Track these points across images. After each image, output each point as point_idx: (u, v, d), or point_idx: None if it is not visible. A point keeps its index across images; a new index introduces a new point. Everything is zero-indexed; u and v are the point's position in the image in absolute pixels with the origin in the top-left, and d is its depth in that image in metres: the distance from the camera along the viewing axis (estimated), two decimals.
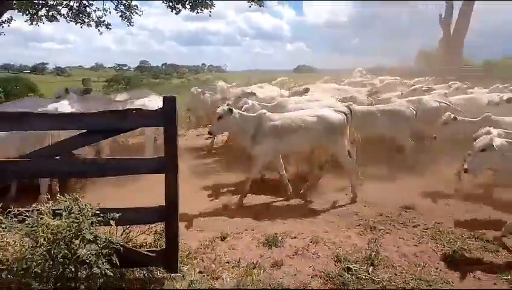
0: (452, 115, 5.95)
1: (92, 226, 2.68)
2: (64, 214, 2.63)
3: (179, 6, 11.11)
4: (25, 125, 2.93)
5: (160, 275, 3.46)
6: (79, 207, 2.69)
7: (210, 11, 11.02)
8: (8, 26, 11.64)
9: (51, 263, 2.63)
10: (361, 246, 4.13)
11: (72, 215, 2.67)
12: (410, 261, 3.86)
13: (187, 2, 10.97)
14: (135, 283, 3.37)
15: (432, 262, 3.84)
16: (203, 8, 11.04)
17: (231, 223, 4.77)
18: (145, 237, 3.72)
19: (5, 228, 2.53)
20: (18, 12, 11.26)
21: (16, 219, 2.66)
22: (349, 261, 3.79)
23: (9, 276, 2.49)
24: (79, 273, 2.71)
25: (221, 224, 4.73)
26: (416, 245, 4.21)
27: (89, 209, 2.73)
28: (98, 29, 12.53)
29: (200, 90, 9.41)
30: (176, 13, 11.04)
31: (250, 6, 11.23)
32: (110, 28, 12.38)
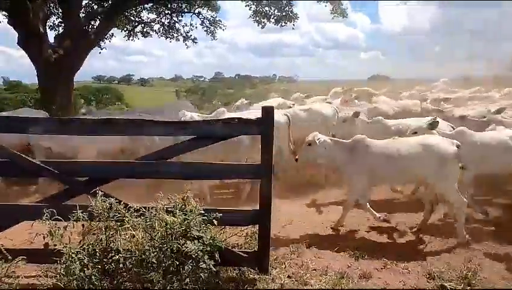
0: None
1: (200, 225, 2.93)
2: (177, 212, 2.91)
3: (265, 20, 11.56)
4: (145, 131, 3.31)
5: (251, 276, 3.63)
6: (189, 206, 2.95)
7: (293, 24, 11.35)
8: (109, 42, 12.99)
9: (162, 255, 2.93)
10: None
11: (184, 213, 2.93)
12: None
13: (272, 17, 11.37)
14: (228, 281, 3.57)
15: None
16: (287, 22, 11.39)
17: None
18: (237, 238, 3.94)
19: (128, 221, 2.86)
20: (117, 29, 12.56)
21: (135, 214, 3.00)
22: (442, 279, 3.64)
23: (131, 264, 2.81)
24: (186, 266, 2.97)
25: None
26: None
27: (197, 209, 2.98)
28: (185, 44, 13.46)
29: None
30: (261, 27, 11.55)
31: (332, 18, 11.34)
32: (196, 42, 13.28)
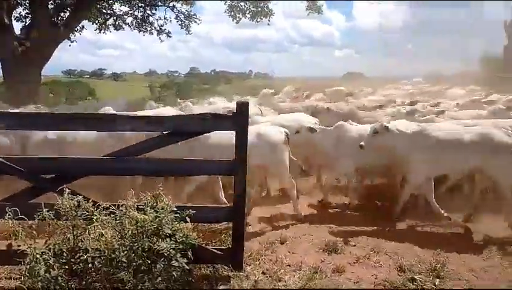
0: None
1: (172, 223, 2.87)
2: (148, 209, 2.84)
3: (240, 15, 11.49)
4: (118, 126, 3.22)
5: (225, 273, 3.60)
6: (161, 203, 2.88)
7: (269, 20, 11.34)
8: (80, 34, 12.57)
9: (133, 254, 2.85)
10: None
11: (155, 211, 2.87)
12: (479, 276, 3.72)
13: (247, 12, 11.31)
14: (202, 279, 3.53)
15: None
16: (262, 17, 11.36)
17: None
18: (211, 235, 3.89)
19: (97, 220, 2.77)
20: (88, 21, 12.17)
21: (105, 213, 2.91)
22: (412, 271, 3.73)
23: (100, 263, 2.73)
24: (158, 265, 2.91)
25: None
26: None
27: (169, 206, 2.92)
28: (159, 37, 13.21)
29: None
30: (236, 22, 11.48)
31: (308, 15, 11.40)
32: (170, 36, 13.09)
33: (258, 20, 11.37)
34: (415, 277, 3.60)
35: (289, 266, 3.84)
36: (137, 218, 2.74)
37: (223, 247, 3.65)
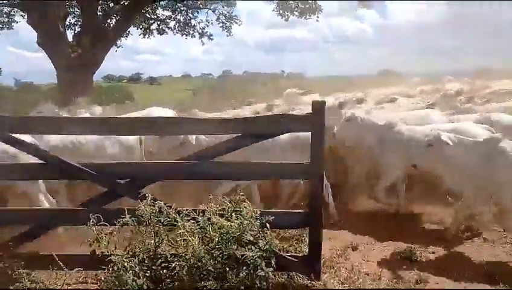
0: None
1: (257, 229, 2.73)
2: (233, 215, 2.71)
3: (288, 13, 11.33)
4: (192, 130, 3.13)
5: (301, 281, 3.43)
6: (245, 209, 2.76)
7: (317, 17, 11.09)
8: (126, 39, 12.86)
9: (217, 262, 2.74)
10: None
11: (240, 217, 2.74)
12: None
13: (296, 9, 11.14)
14: (278, 287, 3.37)
15: None
16: (311, 14, 11.14)
17: None
18: (280, 241, 3.73)
19: (183, 226, 2.68)
20: (133, 26, 12.43)
21: (187, 219, 2.82)
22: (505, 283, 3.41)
23: (184, 271, 2.63)
24: (241, 273, 2.78)
25: None
26: None
27: (252, 212, 2.78)
28: (201, 40, 13.29)
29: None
30: (285, 20, 11.32)
31: (356, 10, 11.06)
32: (212, 39, 13.09)
33: (307, 17, 11.19)
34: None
35: (367, 274, 3.62)
36: (223, 225, 2.62)
37: (297, 254, 3.49)
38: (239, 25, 13.12)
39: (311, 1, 10.79)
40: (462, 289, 3.41)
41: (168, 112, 5.70)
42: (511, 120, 5.39)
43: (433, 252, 4.08)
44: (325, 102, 3.31)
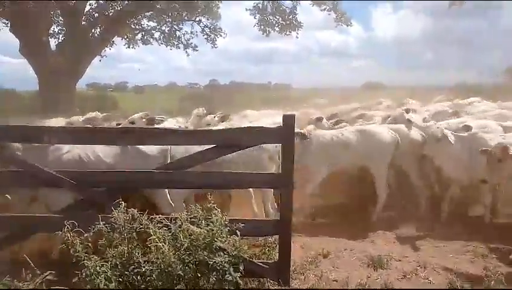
0: None
1: (226, 236, 2.86)
2: (203, 222, 2.85)
3: (269, 28, 11.63)
4: (167, 140, 3.26)
5: (272, 287, 3.55)
6: (214, 217, 2.89)
7: (297, 33, 11.44)
8: (110, 49, 12.91)
9: (187, 267, 2.86)
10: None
11: (207, 224, 2.87)
12: None
13: (276, 25, 11.43)
14: None
15: None
16: (291, 30, 11.47)
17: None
18: (253, 248, 3.87)
19: (154, 233, 2.79)
20: (117, 36, 12.52)
21: (158, 225, 2.94)
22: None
23: (155, 276, 2.74)
24: (210, 279, 2.90)
25: None
26: None
27: (223, 220, 2.92)
28: (186, 51, 13.47)
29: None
30: (266, 35, 11.63)
31: (336, 27, 11.46)
32: (196, 50, 13.28)
33: (287, 33, 11.53)
34: None
35: (335, 281, 3.78)
36: (193, 231, 2.75)
37: (268, 261, 3.63)
38: (224, 38, 13.40)
39: (291, 17, 11.17)
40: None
41: None
42: None
43: (400, 260, 4.26)
44: (294, 115, 3.49)
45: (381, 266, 4.05)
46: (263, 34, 11.64)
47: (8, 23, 9.80)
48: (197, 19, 12.92)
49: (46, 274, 2.42)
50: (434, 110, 8.48)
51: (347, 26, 11.61)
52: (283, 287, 3.48)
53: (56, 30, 12.28)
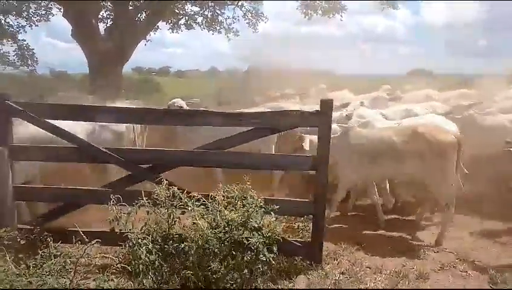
0: None
1: (261, 217, 2.94)
2: (238, 203, 2.94)
3: (312, 12, 11.41)
4: (206, 122, 3.40)
5: (304, 269, 3.58)
6: (250, 197, 2.97)
7: (341, 16, 11.11)
8: (154, 34, 13.21)
9: (223, 245, 2.97)
10: None
11: (243, 205, 2.96)
12: None
13: (319, 8, 11.20)
14: (281, 272, 3.55)
15: None
16: (335, 13, 11.18)
17: None
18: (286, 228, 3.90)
19: (192, 210, 2.92)
20: (162, 21, 12.79)
21: (197, 204, 3.06)
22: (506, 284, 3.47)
23: (192, 252, 2.87)
24: (245, 257, 2.99)
25: None
26: None
27: (258, 200, 2.99)
28: (227, 36, 13.54)
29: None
30: (308, 19, 11.42)
31: (382, 10, 11.00)
32: (238, 35, 13.28)
33: (330, 16, 11.22)
34: None
35: (369, 268, 3.76)
36: (228, 215, 2.85)
37: (302, 240, 3.69)
38: (265, 22, 13.29)
39: (335, 0, 10.84)
40: (462, 289, 3.50)
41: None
42: None
43: (437, 251, 4.16)
44: (332, 100, 3.47)
45: (417, 257, 3.99)
46: (305, 17, 11.43)
47: (61, 9, 10.36)
48: (239, 3, 12.93)
49: (93, 242, 2.60)
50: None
51: (394, 9, 11.10)
52: (313, 270, 3.50)
53: (104, 15, 12.85)
